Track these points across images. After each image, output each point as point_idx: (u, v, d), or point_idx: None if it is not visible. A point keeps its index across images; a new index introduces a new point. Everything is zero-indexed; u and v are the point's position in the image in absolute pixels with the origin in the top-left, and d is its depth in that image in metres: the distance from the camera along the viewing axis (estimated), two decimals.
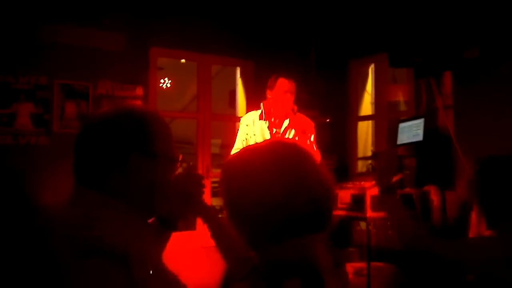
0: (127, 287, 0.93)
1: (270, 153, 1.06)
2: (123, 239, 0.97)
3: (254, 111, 3.68)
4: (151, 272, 1.06)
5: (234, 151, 3.54)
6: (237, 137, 3.64)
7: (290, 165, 1.02)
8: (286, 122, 3.52)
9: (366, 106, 5.27)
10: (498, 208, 1.72)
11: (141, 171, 1.06)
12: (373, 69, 5.15)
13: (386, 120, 4.93)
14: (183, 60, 5.85)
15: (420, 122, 3.73)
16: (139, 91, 4.39)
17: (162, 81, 8.81)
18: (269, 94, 3.53)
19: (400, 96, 5.32)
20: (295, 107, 3.50)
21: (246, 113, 4.06)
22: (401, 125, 3.95)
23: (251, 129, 3.56)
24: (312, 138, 3.51)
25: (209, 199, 4.76)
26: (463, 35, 3.69)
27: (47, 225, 1.04)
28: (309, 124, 3.56)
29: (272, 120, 3.54)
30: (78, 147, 1.11)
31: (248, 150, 1.12)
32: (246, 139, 3.57)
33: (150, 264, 1.07)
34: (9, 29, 3.84)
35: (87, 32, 4.15)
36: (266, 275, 1.00)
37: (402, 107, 5.25)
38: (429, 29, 3.72)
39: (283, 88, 3.45)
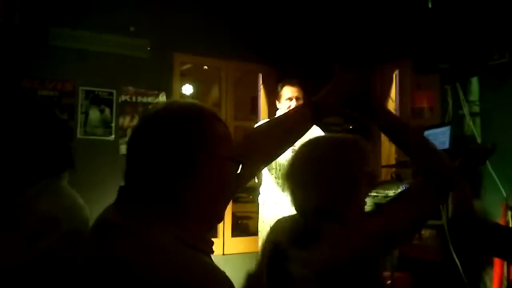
0: None
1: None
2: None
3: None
4: None
5: None
6: None
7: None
8: None
9: None
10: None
11: (210, 173, 0.96)
12: (397, 75, 5.08)
13: None
14: (206, 67, 5.86)
15: (446, 129, 3.65)
16: (162, 97, 4.41)
17: (184, 87, 8.85)
18: (277, 105, 3.54)
19: (424, 103, 5.23)
20: None
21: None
22: (427, 132, 3.87)
23: None
24: None
25: (231, 205, 4.75)
26: (490, 40, 3.61)
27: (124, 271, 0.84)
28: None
29: None
30: (137, 147, 0.97)
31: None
32: None
33: None
34: (37, 36, 3.90)
35: (112, 39, 4.20)
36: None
37: (427, 114, 5.16)
38: (456, 34, 3.65)
39: (286, 96, 3.45)
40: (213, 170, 0.97)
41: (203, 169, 0.95)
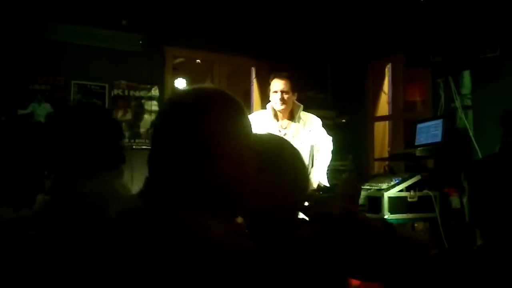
0: None
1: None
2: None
3: (262, 110, 3.67)
4: None
5: None
6: None
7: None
8: (291, 124, 3.50)
9: (383, 106, 5.22)
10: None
11: (239, 160, 0.96)
12: (390, 69, 5.09)
13: (403, 121, 4.88)
14: (198, 60, 5.84)
15: (438, 122, 3.67)
16: (155, 91, 4.39)
17: (176, 81, 8.81)
18: (270, 97, 3.54)
19: (417, 96, 5.25)
20: (290, 105, 3.46)
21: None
22: (419, 125, 3.89)
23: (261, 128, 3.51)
24: (320, 134, 3.53)
25: None
26: (482, 33, 3.62)
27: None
28: (315, 121, 3.57)
29: (279, 121, 3.53)
30: (168, 132, 0.95)
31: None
32: None
33: None
34: (27, 30, 3.87)
35: (103, 33, 4.17)
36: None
37: (419, 107, 5.18)
38: (447, 28, 3.67)
39: (273, 88, 3.45)
40: (242, 159, 0.98)
41: (235, 157, 0.96)
